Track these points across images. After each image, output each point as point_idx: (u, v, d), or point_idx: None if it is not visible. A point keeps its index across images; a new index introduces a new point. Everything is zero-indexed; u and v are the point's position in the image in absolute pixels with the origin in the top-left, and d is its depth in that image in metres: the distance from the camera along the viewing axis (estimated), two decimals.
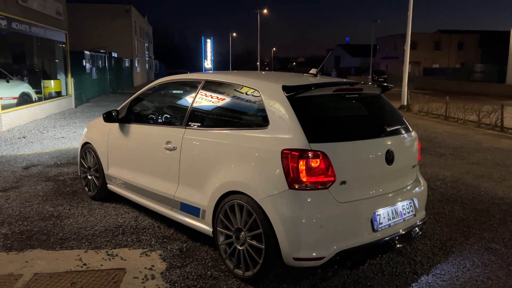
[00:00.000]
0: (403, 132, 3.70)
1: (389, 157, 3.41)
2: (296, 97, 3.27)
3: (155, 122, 4.52)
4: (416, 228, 3.63)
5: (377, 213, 3.27)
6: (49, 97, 15.45)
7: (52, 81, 15.93)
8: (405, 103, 18.16)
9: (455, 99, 16.97)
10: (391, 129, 3.58)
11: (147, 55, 47.39)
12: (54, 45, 16.42)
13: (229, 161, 3.48)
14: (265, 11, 49.26)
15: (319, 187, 3.07)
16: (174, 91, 4.68)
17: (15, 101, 13.27)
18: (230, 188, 3.40)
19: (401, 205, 3.48)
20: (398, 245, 3.45)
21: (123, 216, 4.78)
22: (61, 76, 16.75)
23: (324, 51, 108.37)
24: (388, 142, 3.45)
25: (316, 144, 3.07)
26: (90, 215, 4.80)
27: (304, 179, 3.05)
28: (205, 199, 3.63)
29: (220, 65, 78.60)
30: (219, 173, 3.53)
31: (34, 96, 14.24)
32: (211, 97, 3.93)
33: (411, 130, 3.84)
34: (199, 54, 66.87)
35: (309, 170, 3.04)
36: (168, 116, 4.41)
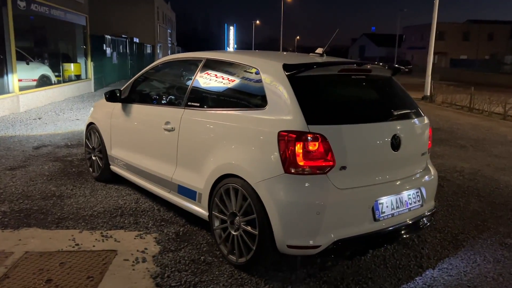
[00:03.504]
0: (413, 117, 3.47)
1: (395, 143, 3.19)
2: (296, 76, 3.09)
3: (156, 102, 4.39)
4: (424, 219, 3.42)
5: (379, 201, 3.07)
6: (69, 80, 15.58)
7: (72, 64, 16.04)
8: (428, 94, 17.62)
9: (482, 90, 16.36)
10: (399, 113, 3.35)
11: (169, 42, 47.46)
12: (74, 29, 16.51)
13: (226, 143, 3.33)
14: None
15: (317, 172, 2.89)
16: (176, 70, 4.54)
17: (34, 83, 13.43)
18: (226, 171, 3.25)
19: (407, 194, 3.27)
20: (402, 236, 3.26)
21: (125, 198, 4.70)
22: (81, 60, 16.87)
23: (349, 41, 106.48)
24: (395, 126, 3.24)
25: (315, 126, 2.89)
26: (91, 195, 4.74)
27: (301, 163, 2.87)
28: (202, 182, 3.50)
29: None
30: (215, 155, 3.39)
31: (53, 78, 14.38)
32: (211, 76, 3.77)
33: (422, 115, 3.60)
34: (223, 41, 66.68)
35: (307, 153, 2.87)
36: (169, 96, 4.27)
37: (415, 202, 3.31)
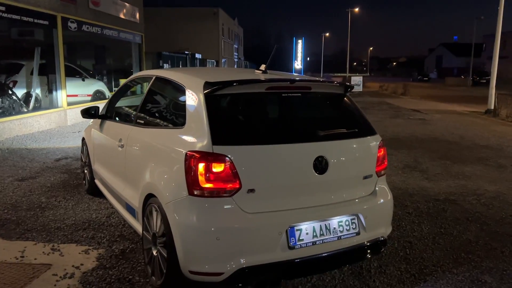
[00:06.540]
0: (352, 137, 3.19)
1: (320, 165, 2.95)
2: (214, 94, 2.97)
3: (118, 119, 4.50)
4: (364, 250, 3.11)
5: (296, 227, 2.84)
6: None
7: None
8: (492, 107, 16.23)
9: None
10: (330, 133, 3.09)
11: (235, 56, 48.62)
12: (130, 46, 17.50)
13: (152, 161, 3.30)
14: (356, 9, 47.72)
15: (222, 194, 2.75)
16: (138, 87, 4.62)
17: (89, 98, 14.42)
18: (149, 190, 3.22)
19: (338, 221, 3.00)
20: (328, 268, 2.98)
21: (100, 212, 4.81)
22: None
23: (426, 51, 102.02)
24: (320, 148, 2.98)
25: (221, 147, 2.75)
26: (72, 208, 4.92)
27: (205, 185, 2.75)
28: (137, 200, 3.49)
29: (312, 65, 78.03)
30: (145, 174, 3.36)
31: (107, 93, 15.30)
32: (155, 94, 3.80)
33: (371, 135, 3.30)
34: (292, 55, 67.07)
35: (211, 175, 2.74)
36: (127, 113, 4.36)
37: (348, 230, 3.02)
